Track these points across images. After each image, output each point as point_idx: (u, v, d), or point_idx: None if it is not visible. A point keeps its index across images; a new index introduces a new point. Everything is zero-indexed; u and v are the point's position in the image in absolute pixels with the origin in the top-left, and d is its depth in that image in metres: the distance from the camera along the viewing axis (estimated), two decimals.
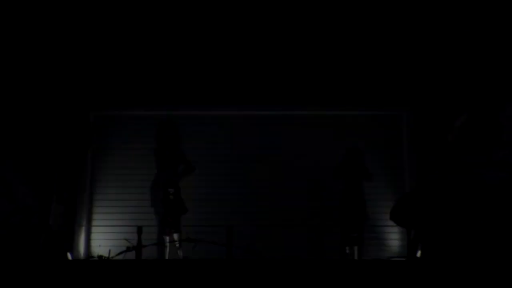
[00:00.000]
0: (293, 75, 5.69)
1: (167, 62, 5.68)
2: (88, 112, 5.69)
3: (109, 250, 5.02)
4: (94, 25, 5.47)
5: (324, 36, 5.59)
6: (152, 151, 5.74)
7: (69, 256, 5.26)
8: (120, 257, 5.08)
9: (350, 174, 5.55)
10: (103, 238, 5.51)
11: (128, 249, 5.03)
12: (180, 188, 5.40)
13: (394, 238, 5.55)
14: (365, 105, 5.69)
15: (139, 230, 5.00)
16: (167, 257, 5.26)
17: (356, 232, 5.31)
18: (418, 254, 4.91)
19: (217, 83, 5.70)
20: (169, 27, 5.56)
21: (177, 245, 5.19)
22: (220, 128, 5.78)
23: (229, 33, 5.59)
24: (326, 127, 5.75)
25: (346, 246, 5.25)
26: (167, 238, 5.27)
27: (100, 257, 5.06)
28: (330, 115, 5.77)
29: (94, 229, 5.58)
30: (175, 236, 5.26)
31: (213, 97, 5.69)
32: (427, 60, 5.57)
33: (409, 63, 5.60)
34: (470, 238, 4.75)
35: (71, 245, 5.43)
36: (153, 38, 5.60)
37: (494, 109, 5.26)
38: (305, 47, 5.66)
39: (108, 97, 5.68)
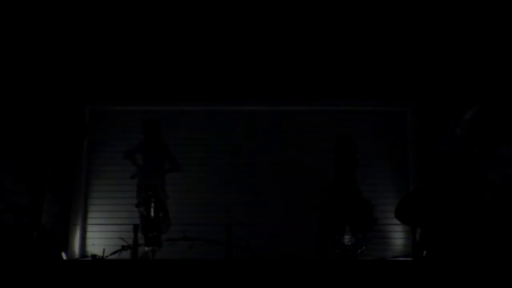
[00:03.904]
0: (294, 70, 5.57)
1: (167, 55, 5.56)
2: (84, 106, 5.56)
3: (103, 249, 4.91)
4: (92, 20, 5.36)
5: (328, 31, 5.46)
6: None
7: (64, 256, 5.14)
8: (114, 256, 5.00)
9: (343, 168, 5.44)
10: (98, 237, 5.40)
11: (123, 248, 4.93)
12: (158, 192, 5.22)
13: (399, 237, 5.42)
14: (369, 99, 5.56)
15: (135, 228, 4.88)
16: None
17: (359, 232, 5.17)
18: (424, 253, 4.79)
19: (216, 78, 5.58)
20: (166, 22, 5.44)
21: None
22: (218, 125, 5.66)
23: (226, 28, 5.47)
24: (328, 123, 5.62)
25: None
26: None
27: (94, 256, 4.95)
28: (332, 110, 5.64)
29: (89, 228, 5.45)
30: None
31: (213, 92, 5.57)
32: (433, 51, 5.44)
33: (414, 54, 5.48)
34: (474, 238, 4.65)
35: (66, 244, 5.31)
36: (151, 33, 5.49)
37: (505, 103, 5.15)
38: (307, 42, 5.53)
39: (104, 91, 5.58)
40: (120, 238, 5.01)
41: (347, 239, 5.04)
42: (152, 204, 5.04)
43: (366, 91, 5.54)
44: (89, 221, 5.48)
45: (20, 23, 5.19)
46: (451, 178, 5.18)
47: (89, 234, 5.45)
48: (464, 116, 5.23)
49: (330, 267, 3.51)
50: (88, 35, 5.44)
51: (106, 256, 4.96)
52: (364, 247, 5.01)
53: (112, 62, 5.54)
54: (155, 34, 5.49)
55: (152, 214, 5.02)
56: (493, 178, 5.05)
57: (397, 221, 4.85)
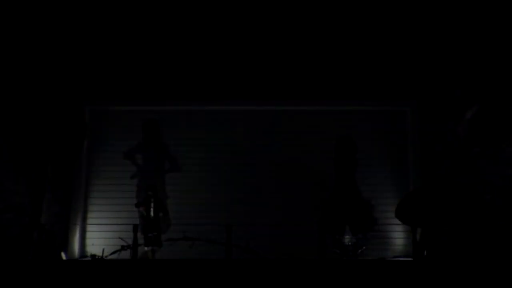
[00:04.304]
0: (294, 69, 5.57)
1: (167, 55, 5.55)
2: (84, 106, 5.55)
3: (103, 249, 4.91)
4: (92, 20, 5.35)
5: (328, 31, 5.46)
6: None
7: (63, 256, 5.13)
8: (114, 256, 4.99)
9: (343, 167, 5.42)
10: (97, 237, 5.38)
11: (123, 248, 4.92)
12: (158, 192, 5.22)
13: (399, 237, 5.41)
14: (369, 99, 5.55)
15: (135, 228, 4.87)
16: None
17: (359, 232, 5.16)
18: (424, 253, 4.78)
19: (216, 78, 5.58)
20: (166, 21, 5.44)
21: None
22: (218, 125, 5.65)
23: (226, 27, 5.46)
24: (328, 123, 5.61)
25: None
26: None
27: (93, 256, 4.94)
28: (332, 110, 5.64)
29: (89, 228, 5.45)
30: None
31: (213, 92, 5.57)
32: (433, 51, 5.43)
33: (414, 54, 5.48)
34: (474, 238, 4.64)
35: (66, 244, 5.30)
36: (151, 33, 5.48)
37: (505, 103, 5.15)
38: (307, 42, 5.53)
39: (104, 91, 5.57)
40: (119, 238, 5.00)
41: (347, 239, 5.03)
42: (152, 204, 5.03)
43: (366, 91, 5.53)
44: (89, 221, 5.47)
45: (20, 23, 5.18)
46: (451, 178, 5.17)
47: (88, 234, 5.44)
48: (464, 116, 5.23)
49: (330, 267, 3.50)
50: (88, 35, 5.43)
51: (106, 256, 4.95)
52: (364, 247, 5.00)
53: (112, 62, 5.53)
54: (155, 34, 5.48)
55: (152, 214, 5.02)
56: (493, 178, 5.05)
57: (397, 221, 4.84)
